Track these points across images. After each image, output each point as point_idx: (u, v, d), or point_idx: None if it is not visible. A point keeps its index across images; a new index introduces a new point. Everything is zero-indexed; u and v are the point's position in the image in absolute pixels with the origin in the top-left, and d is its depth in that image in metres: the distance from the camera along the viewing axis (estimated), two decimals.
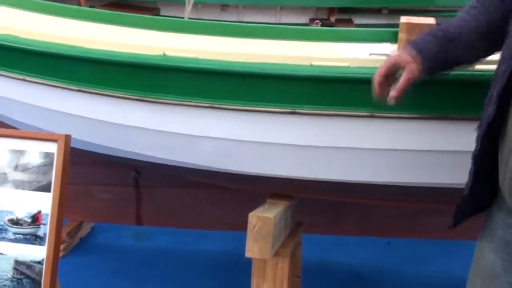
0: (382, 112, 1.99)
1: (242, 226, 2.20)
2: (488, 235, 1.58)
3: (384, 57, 2.01)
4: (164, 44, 2.18)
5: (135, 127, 2.28)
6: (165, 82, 2.16)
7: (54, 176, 1.97)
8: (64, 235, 3.22)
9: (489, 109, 1.49)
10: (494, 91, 1.47)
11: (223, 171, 2.32)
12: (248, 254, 2.15)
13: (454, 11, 3.68)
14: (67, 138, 1.98)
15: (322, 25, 3.76)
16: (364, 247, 3.54)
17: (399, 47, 2.07)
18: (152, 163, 2.47)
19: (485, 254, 1.57)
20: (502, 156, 1.47)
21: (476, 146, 1.55)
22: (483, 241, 1.60)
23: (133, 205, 3.15)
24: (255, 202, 2.37)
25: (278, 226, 2.23)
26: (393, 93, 1.70)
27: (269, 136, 2.14)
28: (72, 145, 2.07)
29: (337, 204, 2.71)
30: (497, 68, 1.53)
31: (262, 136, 2.15)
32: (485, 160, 1.54)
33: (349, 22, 3.90)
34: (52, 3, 2.60)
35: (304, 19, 4.08)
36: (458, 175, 2.06)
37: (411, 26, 2.05)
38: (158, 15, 4.08)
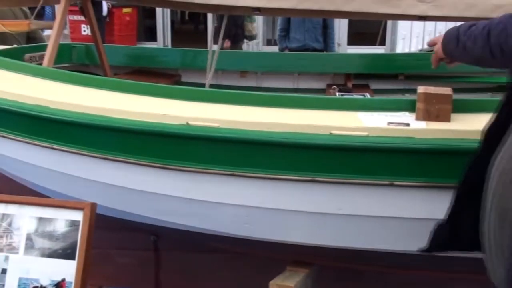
0: (402, 181, 2.01)
1: None
2: None
3: (401, 127, 2.06)
4: (187, 113, 2.25)
5: (158, 194, 2.32)
6: (188, 151, 2.21)
7: (79, 244, 2.00)
8: None
9: None
10: None
11: (243, 237, 2.33)
12: None
13: (470, 76, 3.75)
14: (93, 206, 2.03)
15: (340, 90, 3.84)
16: None
17: (417, 116, 2.12)
18: (172, 228, 2.49)
19: None
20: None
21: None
22: None
23: (152, 270, 3.14)
24: (275, 268, 2.36)
25: None
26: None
27: (289, 204, 2.16)
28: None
29: (357, 272, 2.68)
30: None
31: (283, 204, 2.17)
32: None
33: (366, 87, 3.97)
34: (79, 74, 2.72)
35: (321, 84, 4.16)
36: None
37: (428, 96, 2.11)
38: (180, 81, 4.20)
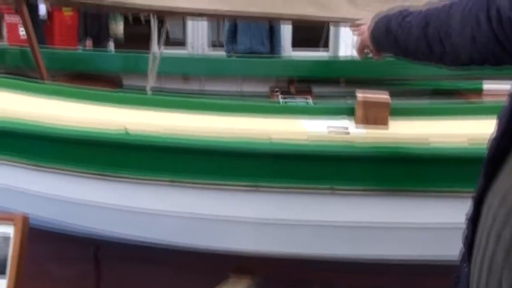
0: (342, 187, 2.03)
1: None
2: None
3: (341, 133, 2.07)
4: (125, 120, 2.19)
5: (95, 204, 2.25)
6: (126, 159, 2.15)
7: (10, 259, 1.90)
8: None
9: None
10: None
11: (185, 247, 2.29)
12: None
13: (408, 80, 3.86)
14: (25, 219, 1.93)
15: (282, 94, 3.86)
16: None
17: (356, 121, 2.15)
18: (113, 239, 2.42)
19: None
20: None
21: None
22: None
23: (93, 282, 3.04)
24: (218, 277, 2.33)
25: None
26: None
27: (230, 212, 2.14)
28: (30, 223, 2.01)
29: (302, 280, 2.68)
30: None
31: (223, 212, 2.15)
32: None
33: (308, 91, 4.01)
34: (10, 79, 2.60)
35: (265, 88, 4.18)
36: (419, 248, 2.11)
37: (366, 102, 2.14)
38: (121, 85, 4.11)
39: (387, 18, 1.59)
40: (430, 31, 1.39)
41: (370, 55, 1.79)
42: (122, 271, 2.93)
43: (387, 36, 1.58)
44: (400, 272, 2.22)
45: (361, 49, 1.80)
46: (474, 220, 1.25)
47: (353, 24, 1.90)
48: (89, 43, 7.27)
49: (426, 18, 1.42)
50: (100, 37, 7.53)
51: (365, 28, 1.74)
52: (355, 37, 1.87)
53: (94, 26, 7.42)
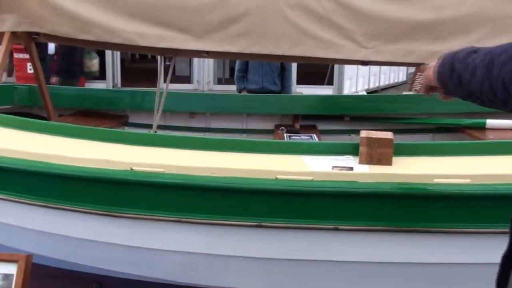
0: (346, 225, 2.02)
1: None
2: None
3: (345, 171, 2.08)
4: (131, 158, 2.21)
5: (100, 242, 2.25)
6: (131, 197, 2.16)
7: None
8: None
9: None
10: None
11: (189, 285, 2.28)
12: None
13: (412, 117, 3.88)
14: (28, 258, 1.93)
15: (288, 131, 3.88)
16: None
17: (360, 160, 2.16)
18: (116, 277, 2.41)
19: None
20: None
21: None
22: None
23: None
24: None
25: None
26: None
27: (235, 250, 2.14)
28: (33, 260, 2.01)
29: None
30: None
31: (228, 250, 2.14)
32: None
33: (313, 128, 4.03)
34: (18, 117, 2.64)
35: (270, 125, 4.20)
36: (424, 286, 2.09)
37: (370, 140, 2.15)
38: (127, 122, 4.15)
39: (452, 55, 1.47)
40: (494, 74, 1.28)
41: (438, 95, 1.65)
42: None
43: (451, 74, 1.45)
44: None
45: (426, 87, 1.67)
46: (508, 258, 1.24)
47: (420, 68, 1.82)
48: (55, 79, 7.18)
49: (489, 54, 1.31)
50: (70, 72, 7.44)
51: (432, 66, 1.60)
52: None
53: (63, 62, 7.34)
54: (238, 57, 3.26)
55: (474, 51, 1.38)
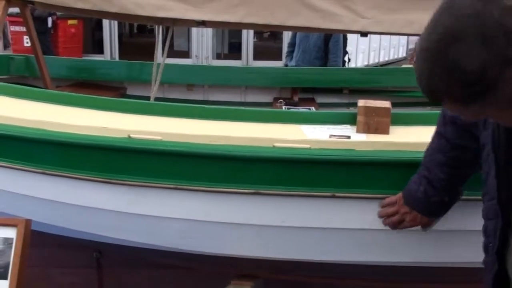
0: (344, 192, 2.04)
1: None
2: None
3: (342, 139, 2.09)
4: (128, 126, 2.21)
5: (99, 209, 2.26)
6: (129, 164, 2.17)
7: (12, 262, 1.91)
8: None
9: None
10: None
11: (188, 252, 2.30)
12: None
13: (410, 90, 3.88)
14: (27, 223, 1.95)
15: (286, 104, 3.88)
16: None
17: (357, 129, 2.17)
18: (116, 244, 2.43)
19: None
20: None
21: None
22: None
23: (95, 287, 3.05)
24: (220, 282, 2.34)
25: None
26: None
27: (233, 217, 2.15)
28: (32, 227, 2.03)
29: (304, 284, 2.69)
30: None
31: (226, 217, 2.16)
32: None
33: (311, 101, 4.03)
34: (15, 85, 2.63)
35: (268, 98, 4.20)
36: (422, 251, 2.11)
37: (368, 109, 2.16)
38: (125, 94, 4.14)
39: (410, 180, 1.85)
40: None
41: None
42: (124, 275, 2.94)
43: (417, 188, 1.82)
44: (402, 276, 2.23)
45: (396, 222, 1.94)
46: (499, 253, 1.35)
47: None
48: None
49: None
50: None
51: (395, 199, 1.92)
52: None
53: None
54: (235, 26, 3.24)
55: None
